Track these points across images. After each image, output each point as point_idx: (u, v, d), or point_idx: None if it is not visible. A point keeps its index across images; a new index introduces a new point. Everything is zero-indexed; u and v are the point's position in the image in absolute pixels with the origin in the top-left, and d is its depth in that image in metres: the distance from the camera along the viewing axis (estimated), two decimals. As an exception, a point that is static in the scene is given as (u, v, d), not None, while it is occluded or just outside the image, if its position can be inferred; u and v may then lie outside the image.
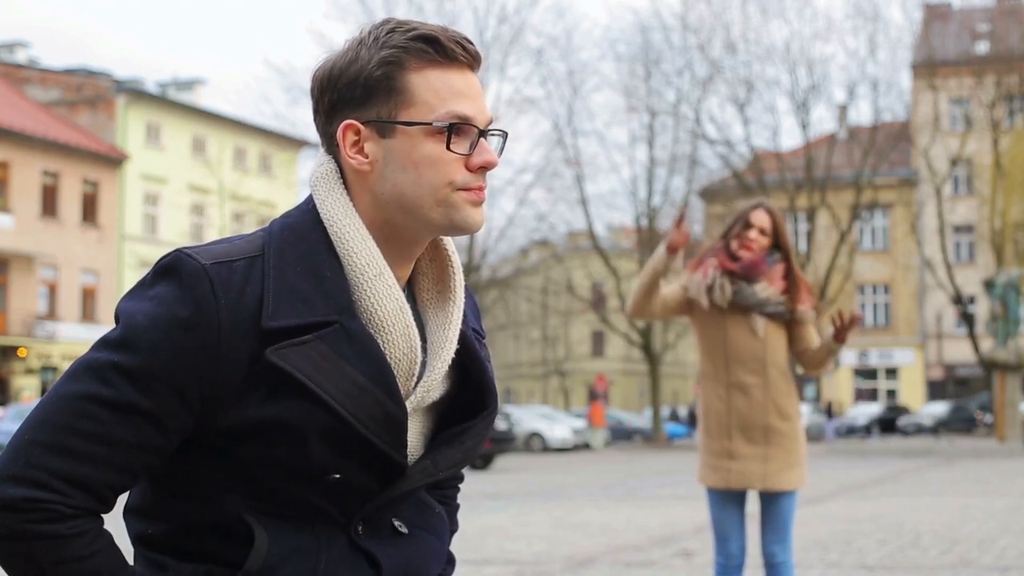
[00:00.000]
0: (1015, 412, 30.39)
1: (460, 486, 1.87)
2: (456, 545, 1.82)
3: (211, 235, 44.80)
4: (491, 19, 58.80)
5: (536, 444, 36.66)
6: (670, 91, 44.21)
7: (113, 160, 43.93)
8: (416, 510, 1.67)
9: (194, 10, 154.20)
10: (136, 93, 45.41)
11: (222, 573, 1.52)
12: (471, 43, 1.59)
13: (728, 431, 4.64)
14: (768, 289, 4.63)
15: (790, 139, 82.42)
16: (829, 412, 43.45)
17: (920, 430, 44.53)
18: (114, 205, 44.06)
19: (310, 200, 1.61)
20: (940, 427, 43.59)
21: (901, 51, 48.78)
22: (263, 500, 1.53)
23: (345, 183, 1.60)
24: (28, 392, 39.72)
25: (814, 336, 4.76)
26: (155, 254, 37.43)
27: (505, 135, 1.64)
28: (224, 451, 1.52)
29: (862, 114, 76.24)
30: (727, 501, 4.69)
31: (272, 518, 1.53)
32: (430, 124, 1.54)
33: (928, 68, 47.06)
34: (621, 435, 45.58)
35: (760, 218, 4.68)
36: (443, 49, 1.55)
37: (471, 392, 1.66)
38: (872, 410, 48.11)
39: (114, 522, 1.53)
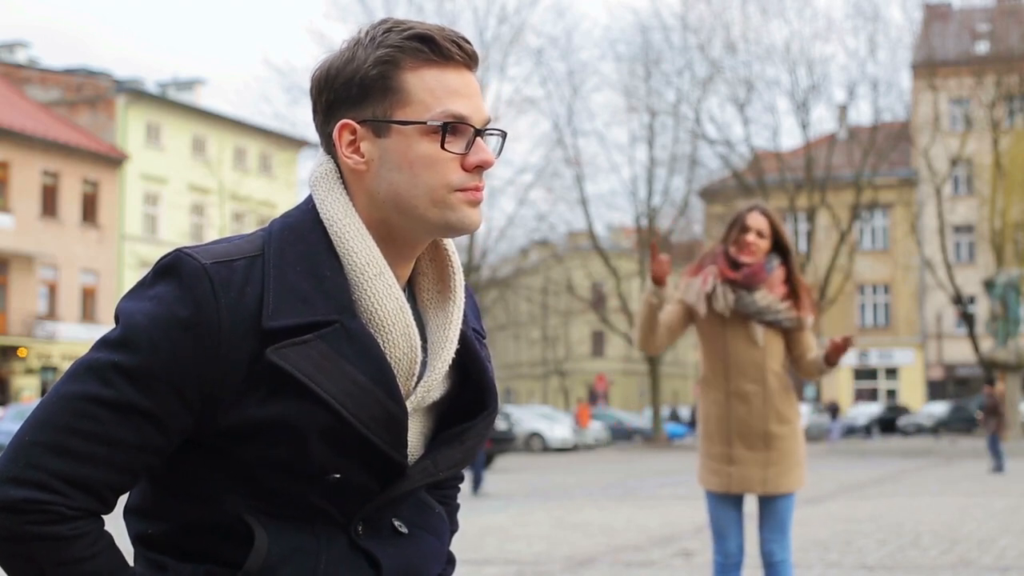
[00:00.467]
0: (1015, 412, 30.40)
1: (460, 486, 1.87)
2: (456, 545, 1.82)
3: (211, 235, 44.77)
4: (491, 19, 58.92)
5: (536, 444, 36.67)
6: (670, 91, 44.28)
7: (113, 160, 43.92)
8: (416, 510, 1.67)
9: (194, 10, 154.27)
10: (136, 93, 45.39)
11: (222, 573, 1.52)
12: (468, 42, 1.58)
13: (728, 437, 4.64)
14: (768, 297, 4.63)
15: (790, 139, 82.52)
16: (834, 413, 43.41)
17: (920, 430, 44.56)
18: (114, 205, 44.05)
19: (310, 200, 1.61)
20: (940, 427, 43.60)
21: (901, 51, 48.88)
22: (263, 500, 1.53)
23: (344, 183, 1.60)
24: (28, 392, 39.71)
25: (811, 341, 4.75)
26: (155, 254, 37.44)
27: (504, 135, 1.64)
28: (224, 451, 1.52)
29: (862, 114, 76.36)
30: (725, 501, 4.70)
31: (272, 518, 1.53)
32: (424, 123, 1.54)
33: (928, 68, 47.05)
34: (621, 435, 45.57)
35: (756, 221, 4.66)
36: (438, 48, 1.55)
37: (471, 392, 1.66)
38: (872, 410, 48.12)
39: (114, 522, 1.53)
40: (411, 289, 1.66)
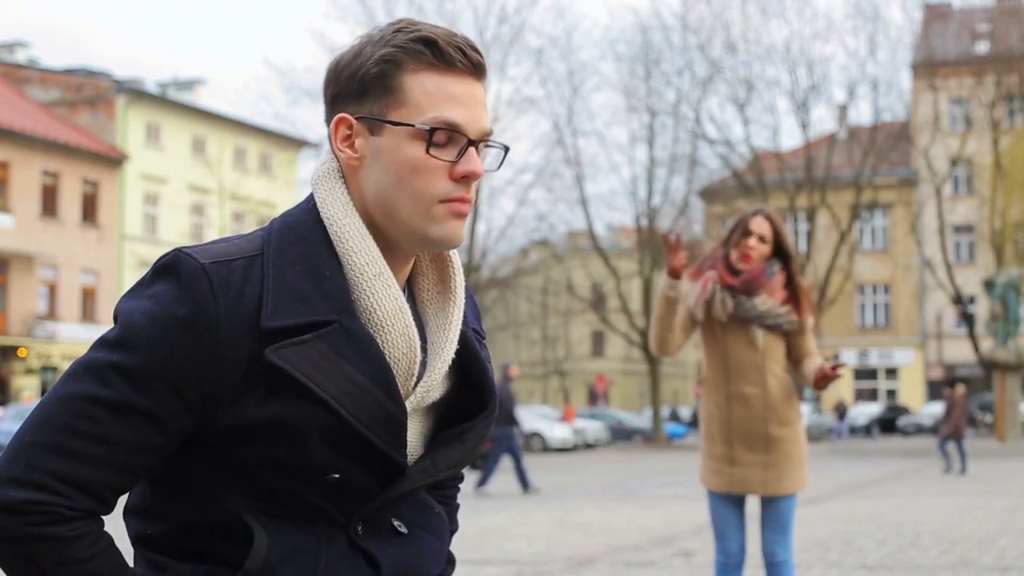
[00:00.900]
0: (1015, 412, 30.41)
1: (460, 486, 1.87)
2: (456, 545, 1.82)
3: (211, 235, 44.79)
4: (491, 19, 58.85)
5: (536, 444, 36.65)
6: (670, 91, 44.25)
7: (113, 160, 43.92)
8: (416, 510, 1.67)
9: (194, 10, 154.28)
10: (136, 93, 45.39)
11: (222, 573, 1.52)
12: (476, 51, 1.57)
13: (729, 439, 4.65)
14: (768, 302, 4.63)
15: (790, 139, 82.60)
16: (842, 414, 43.37)
17: (920, 430, 44.53)
18: (114, 205, 44.06)
19: (310, 199, 1.61)
20: (940, 427, 43.54)
21: (901, 51, 48.86)
22: (263, 500, 1.53)
23: (345, 181, 1.60)
24: (28, 392, 39.72)
25: (812, 345, 4.76)
26: (155, 254, 37.39)
27: (506, 149, 1.62)
28: (224, 451, 1.52)
29: (862, 114, 76.41)
30: (727, 501, 4.72)
31: (272, 518, 1.53)
32: (413, 126, 1.53)
33: (928, 68, 47.04)
34: (621, 435, 45.58)
35: (760, 225, 4.67)
36: (441, 53, 1.55)
37: (471, 392, 1.66)
38: (872, 410, 48.11)
39: (114, 523, 1.53)
40: (411, 289, 1.66)
